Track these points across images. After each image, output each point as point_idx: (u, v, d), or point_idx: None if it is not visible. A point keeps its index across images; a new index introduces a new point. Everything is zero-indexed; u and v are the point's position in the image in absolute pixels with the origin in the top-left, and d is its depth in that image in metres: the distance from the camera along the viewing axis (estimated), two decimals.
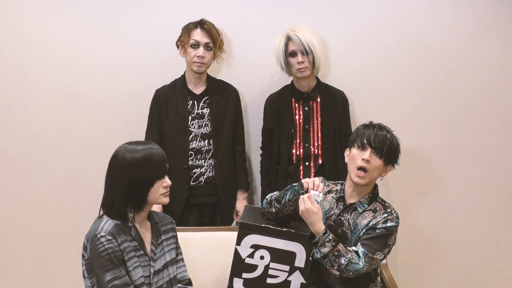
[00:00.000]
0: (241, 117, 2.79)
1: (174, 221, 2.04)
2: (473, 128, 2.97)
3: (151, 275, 1.85)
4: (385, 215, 1.99)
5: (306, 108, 2.66)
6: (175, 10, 2.86)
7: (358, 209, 2.03)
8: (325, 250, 1.87)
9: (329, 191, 2.14)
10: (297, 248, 1.93)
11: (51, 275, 2.95)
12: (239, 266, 1.94)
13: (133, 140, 1.92)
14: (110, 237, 1.75)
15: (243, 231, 1.95)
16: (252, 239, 1.94)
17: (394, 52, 2.90)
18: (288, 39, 2.57)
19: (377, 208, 2.03)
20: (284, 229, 1.94)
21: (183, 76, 2.71)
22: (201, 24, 2.61)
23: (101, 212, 1.87)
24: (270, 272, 1.94)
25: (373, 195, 2.07)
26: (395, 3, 2.90)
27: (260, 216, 2.05)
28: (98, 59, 2.86)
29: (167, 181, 1.85)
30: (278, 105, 2.69)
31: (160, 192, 1.84)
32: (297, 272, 1.93)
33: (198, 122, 2.64)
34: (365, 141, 2.01)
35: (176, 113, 2.61)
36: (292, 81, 2.72)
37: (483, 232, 3.03)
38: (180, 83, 2.68)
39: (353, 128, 2.57)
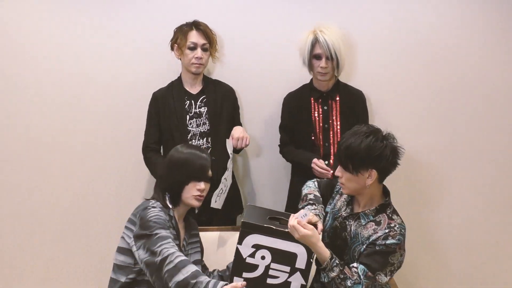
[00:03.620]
0: (238, 115, 2.82)
1: (197, 228, 2.19)
2: (474, 128, 2.97)
3: None
4: (387, 230, 1.91)
5: (325, 107, 2.66)
6: (170, 12, 2.87)
7: (362, 220, 2.00)
8: (333, 274, 1.87)
9: None
10: (299, 250, 1.92)
11: (51, 275, 2.96)
12: (240, 265, 1.93)
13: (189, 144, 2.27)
14: (160, 209, 1.93)
15: (245, 231, 1.93)
16: (254, 238, 1.92)
17: (413, 54, 2.92)
18: (316, 40, 2.53)
19: (381, 221, 1.96)
20: (286, 230, 1.93)
21: (179, 77, 2.73)
22: (196, 25, 2.63)
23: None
24: (271, 272, 1.93)
25: (381, 207, 2.00)
26: (413, 5, 2.91)
27: (263, 216, 2.04)
28: (94, 62, 2.89)
29: (201, 185, 2.01)
30: (296, 103, 2.69)
31: (192, 193, 2.00)
32: (298, 273, 1.92)
33: (196, 121, 2.66)
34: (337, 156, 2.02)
35: (174, 114, 2.63)
36: (311, 79, 2.72)
37: (484, 232, 3.03)
38: (176, 85, 2.71)
39: None
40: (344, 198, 2.11)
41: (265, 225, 1.94)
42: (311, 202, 2.12)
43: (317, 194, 2.18)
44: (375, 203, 2.01)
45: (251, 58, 2.93)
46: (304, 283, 1.93)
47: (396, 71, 2.93)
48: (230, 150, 2.57)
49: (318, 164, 2.53)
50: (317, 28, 2.55)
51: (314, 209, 2.10)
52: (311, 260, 1.92)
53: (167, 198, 2.00)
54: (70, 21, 2.85)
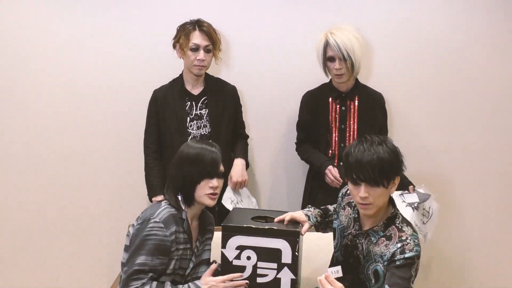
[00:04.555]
0: (241, 114, 2.78)
1: (213, 223, 2.11)
2: (474, 129, 2.94)
3: (189, 269, 1.93)
4: (399, 244, 1.76)
5: (343, 108, 2.63)
6: (172, 9, 2.85)
7: (372, 238, 1.84)
8: None
9: (349, 204, 1.99)
10: (282, 244, 1.87)
11: (51, 275, 2.99)
12: (227, 269, 1.92)
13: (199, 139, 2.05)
14: (162, 225, 1.82)
15: (226, 233, 1.92)
16: (237, 240, 1.90)
17: (429, 55, 2.93)
18: (327, 43, 2.51)
19: (392, 235, 1.81)
20: (266, 227, 1.90)
21: (181, 76, 2.70)
22: (199, 25, 2.57)
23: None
24: (259, 271, 1.90)
25: (389, 220, 1.84)
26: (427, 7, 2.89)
27: (246, 217, 2.01)
28: (96, 60, 2.89)
29: (213, 182, 1.89)
30: (314, 102, 2.67)
31: (205, 192, 1.89)
32: (286, 268, 1.88)
33: (196, 123, 2.64)
34: (354, 176, 1.76)
35: (174, 115, 2.62)
36: (331, 79, 2.69)
37: (484, 232, 2.98)
38: (177, 84, 2.68)
39: (389, 131, 2.76)
40: (349, 213, 1.96)
41: (244, 225, 1.91)
42: (312, 207, 2.09)
43: (330, 208, 2.13)
44: (383, 216, 1.85)
45: (258, 60, 2.91)
46: (294, 277, 1.89)
47: (411, 72, 2.93)
48: (228, 204, 2.58)
49: (333, 172, 2.55)
50: (329, 31, 2.54)
51: (308, 210, 2.05)
52: (296, 253, 1.87)
53: (179, 199, 1.91)
54: (71, 19, 2.84)
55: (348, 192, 2.01)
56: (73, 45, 2.87)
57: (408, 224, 1.86)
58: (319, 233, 2.24)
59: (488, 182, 2.98)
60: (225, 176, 2.06)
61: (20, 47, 2.86)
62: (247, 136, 2.82)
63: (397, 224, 1.83)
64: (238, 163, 2.66)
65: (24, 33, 2.86)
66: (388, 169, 1.74)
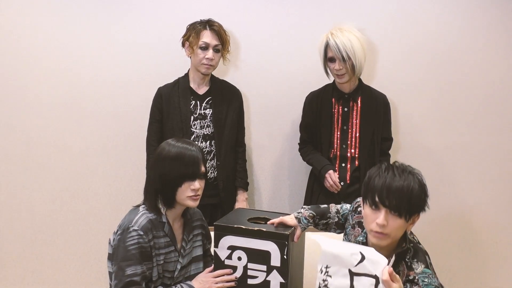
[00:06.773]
0: (242, 120, 2.78)
1: (203, 218, 2.09)
2: (478, 129, 2.94)
3: (176, 271, 1.92)
4: (408, 285, 1.59)
5: (345, 109, 2.63)
6: (180, 9, 2.88)
7: None
8: None
9: (359, 223, 1.82)
10: (271, 247, 1.85)
11: (52, 275, 2.99)
12: (220, 268, 1.92)
13: (179, 138, 1.96)
14: (142, 233, 1.80)
15: (218, 233, 1.92)
16: (228, 240, 1.90)
17: (429, 54, 2.93)
18: (327, 43, 2.52)
19: (400, 272, 1.62)
20: (256, 228, 1.88)
21: (187, 75, 2.71)
22: (210, 25, 2.59)
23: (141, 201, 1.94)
24: (249, 272, 1.89)
25: (398, 256, 1.63)
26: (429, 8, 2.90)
27: (243, 217, 2.00)
28: (100, 57, 2.90)
29: (195, 184, 1.84)
30: (317, 103, 2.68)
31: (187, 194, 1.85)
32: (275, 271, 1.86)
33: (200, 122, 2.64)
34: (377, 199, 1.58)
35: (178, 113, 2.62)
36: (334, 80, 2.68)
37: (483, 232, 2.97)
38: (183, 82, 2.69)
39: (394, 132, 2.72)
40: (359, 234, 1.81)
41: (235, 225, 1.90)
42: (304, 208, 1.97)
43: (332, 210, 1.98)
44: (393, 250, 1.66)
45: (265, 61, 2.92)
46: (283, 281, 1.86)
47: (415, 72, 2.95)
48: None
49: (333, 177, 2.59)
50: (330, 31, 2.54)
51: (298, 212, 1.94)
52: (285, 256, 1.85)
53: (159, 201, 1.86)
54: (76, 15, 2.84)
55: (359, 209, 1.85)
56: (77, 43, 2.87)
57: (420, 259, 1.66)
58: (319, 234, 2.21)
59: (490, 182, 2.97)
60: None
61: (23, 45, 2.85)
62: (245, 145, 2.82)
63: (406, 260, 1.65)
64: (244, 200, 2.72)
65: (27, 30, 2.84)
66: (415, 202, 1.59)
